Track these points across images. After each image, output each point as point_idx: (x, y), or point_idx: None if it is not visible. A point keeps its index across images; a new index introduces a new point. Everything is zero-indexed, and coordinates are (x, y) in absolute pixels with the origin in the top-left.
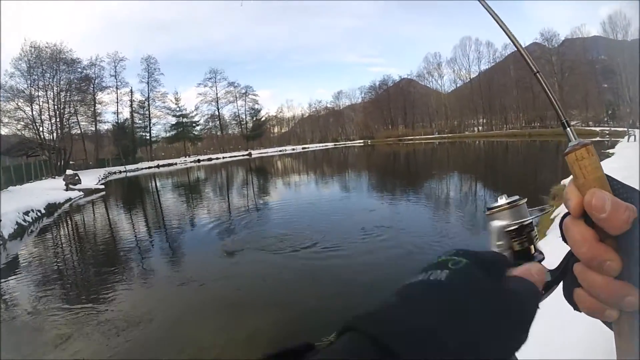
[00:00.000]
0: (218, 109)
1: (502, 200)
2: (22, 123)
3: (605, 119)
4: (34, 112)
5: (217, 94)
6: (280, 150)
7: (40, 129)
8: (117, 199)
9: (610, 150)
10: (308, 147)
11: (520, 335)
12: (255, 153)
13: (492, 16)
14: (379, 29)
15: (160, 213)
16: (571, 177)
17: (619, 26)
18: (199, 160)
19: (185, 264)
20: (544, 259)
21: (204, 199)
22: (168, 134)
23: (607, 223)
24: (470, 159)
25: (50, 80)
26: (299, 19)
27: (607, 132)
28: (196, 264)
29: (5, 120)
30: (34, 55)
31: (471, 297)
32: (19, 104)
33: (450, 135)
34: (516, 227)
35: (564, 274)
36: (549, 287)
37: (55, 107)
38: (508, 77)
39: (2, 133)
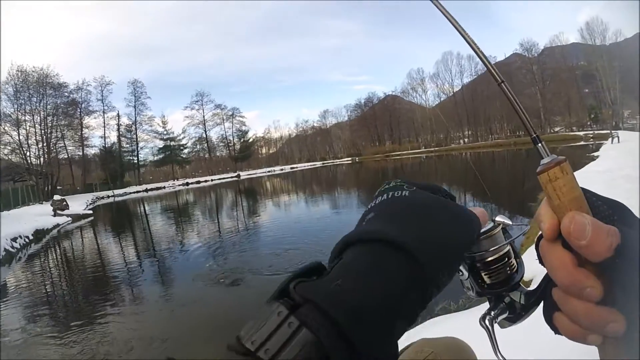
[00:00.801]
0: (205, 132)
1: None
2: (9, 147)
3: (589, 123)
4: (21, 137)
5: (204, 116)
6: (269, 171)
7: (28, 153)
8: (105, 225)
9: (595, 154)
10: (296, 167)
11: (469, 240)
12: (244, 174)
13: (452, 23)
14: (361, 48)
15: (149, 237)
16: (545, 197)
17: (597, 32)
18: (187, 184)
19: (178, 288)
20: (522, 276)
21: (193, 222)
22: (156, 158)
23: (587, 250)
24: (458, 171)
25: (37, 104)
26: (281, 40)
27: (591, 135)
28: (190, 287)
29: None
30: (21, 79)
31: (435, 205)
32: (6, 128)
33: (437, 148)
34: (492, 259)
35: (543, 296)
36: (528, 309)
37: (42, 131)
38: (491, 88)
39: None
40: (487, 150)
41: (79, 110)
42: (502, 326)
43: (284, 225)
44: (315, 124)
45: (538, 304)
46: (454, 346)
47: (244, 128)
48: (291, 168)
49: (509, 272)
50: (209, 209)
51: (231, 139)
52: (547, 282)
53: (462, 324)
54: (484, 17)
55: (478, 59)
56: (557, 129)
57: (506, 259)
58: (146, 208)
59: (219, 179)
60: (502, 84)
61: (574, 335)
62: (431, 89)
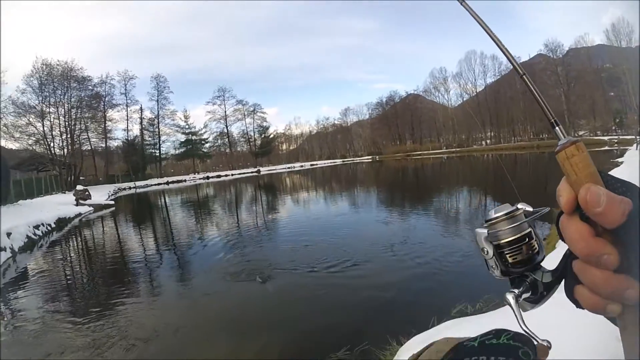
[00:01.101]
0: (227, 127)
1: (499, 212)
2: (34, 138)
3: (614, 128)
4: (45, 128)
5: (225, 111)
6: (289, 167)
7: (51, 144)
8: (126, 215)
9: (620, 159)
10: (316, 164)
11: None
12: (264, 170)
13: (477, 20)
14: (381, 47)
15: (169, 229)
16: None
17: (623, 33)
18: (208, 177)
19: (195, 281)
20: (543, 257)
21: (213, 216)
22: (177, 151)
23: (602, 217)
24: (479, 172)
25: (62, 97)
26: (301, 39)
27: (615, 140)
28: (207, 281)
29: (17, 135)
30: (46, 72)
31: None
32: (31, 119)
33: (458, 149)
34: (513, 238)
35: (565, 272)
36: (550, 287)
37: (66, 123)
38: (514, 89)
39: (14, 148)
40: (510, 152)
41: (102, 103)
42: (524, 309)
43: (303, 222)
44: (336, 122)
45: (560, 282)
46: None
47: (265, 124)
48: (311, 165)
49: (530, 252)
50: (229, 203)
51: (252, 134)
52: (567, 259)
53: (478, 327)
54: (509, 17)
55: (502, 59)
56: (581, 133)
57: (527, 239)
58: (167, 200)
59: (239, 173)
60: (524, 76)
61: (594, 306)
62: (454, 88)
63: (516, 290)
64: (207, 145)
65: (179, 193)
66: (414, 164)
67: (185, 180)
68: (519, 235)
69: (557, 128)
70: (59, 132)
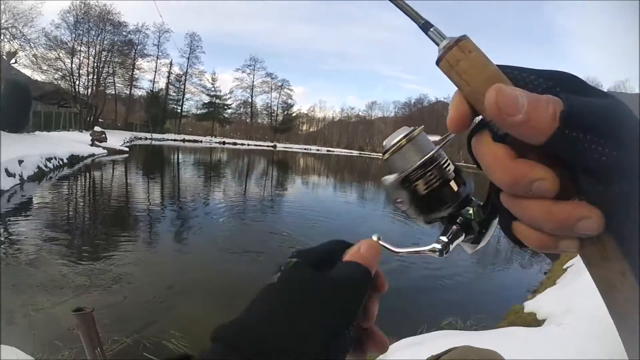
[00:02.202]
0: (252, 97)
1: (397, 137)
2: (60, 74)
3: None
4: (74, 66)
5: (253, 81)
6: (305, 149)
7: (77, 82)
8: (138, 164)
9: None
10: (333, 151)
11: (345, 316)
12: (280, 146)
13: None
14: (420, 47)
15: (177, 185)
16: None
17: None
18: (224, 143)
19: (192, 240)
20: (471, 191)
21: (222, 180)
22: (199, 112)
23: (526, 128)
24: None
25: (95, 38)
26: (341, 24)
27: None
28: (205, 242)
29: (45, 67)
30: (83, 11)
31: (297, 292)
32: (60, 55)
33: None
34: (417, 166)
35: (496, 207)
36: (487, 224)
37: (95, 64)
38: None
39: (39, 79)
40: None
41: (133, 51)
42: (468, 250)
43: (308, 202)
44: (360, 113)
45: (496, 215)
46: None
47: (289, 101)
48: (327, 151)
49: (440, 183)
50: (240, 171)
51: (275, 109)
52: (492, 190)
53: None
54: (555, 48)
55: None
56: None
57: (438, 160)
58: (180, 157)
59: (255, 145)
60: None
61: (542, 244)
62: None
63: (444, 238)
64: (229, 111)
65: (193, 153)
66: None
67: (201, 141)
68: (427, 157)
69: (430, 30)
70: (86, 72)
